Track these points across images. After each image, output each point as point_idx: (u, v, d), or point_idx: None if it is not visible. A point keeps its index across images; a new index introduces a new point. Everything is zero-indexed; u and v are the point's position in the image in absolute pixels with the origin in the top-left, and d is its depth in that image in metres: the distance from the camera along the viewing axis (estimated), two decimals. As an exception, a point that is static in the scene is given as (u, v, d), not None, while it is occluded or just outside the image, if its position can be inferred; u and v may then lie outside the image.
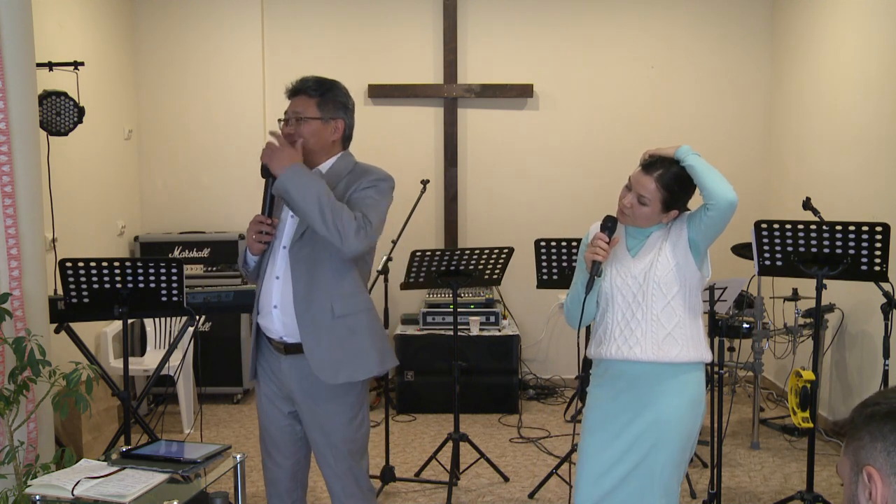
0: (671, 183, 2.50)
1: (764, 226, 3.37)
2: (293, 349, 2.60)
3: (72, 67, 4.29)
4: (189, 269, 5.46)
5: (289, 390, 2.65)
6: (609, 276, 2.58)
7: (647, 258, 2.55)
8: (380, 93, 6.04)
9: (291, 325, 2.57)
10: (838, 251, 3.25)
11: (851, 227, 3.21)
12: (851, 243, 3.22)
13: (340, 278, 2.58)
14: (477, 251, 4.03)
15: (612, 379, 2.58)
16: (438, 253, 3.99)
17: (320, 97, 2.62)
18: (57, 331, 3.62)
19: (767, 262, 3.41)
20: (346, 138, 2.71)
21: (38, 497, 2.39)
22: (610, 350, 2.56)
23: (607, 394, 2.58)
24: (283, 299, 2.58)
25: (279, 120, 2.70)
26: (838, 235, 3.24)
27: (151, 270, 3.46)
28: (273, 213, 2.62)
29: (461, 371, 4.16)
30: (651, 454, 2.50)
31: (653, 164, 2.53)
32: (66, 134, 4.24)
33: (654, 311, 2.51)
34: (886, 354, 3.73)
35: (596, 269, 2.52)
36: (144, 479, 2.43)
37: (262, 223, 2.58)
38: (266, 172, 2.58)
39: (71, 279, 3.42)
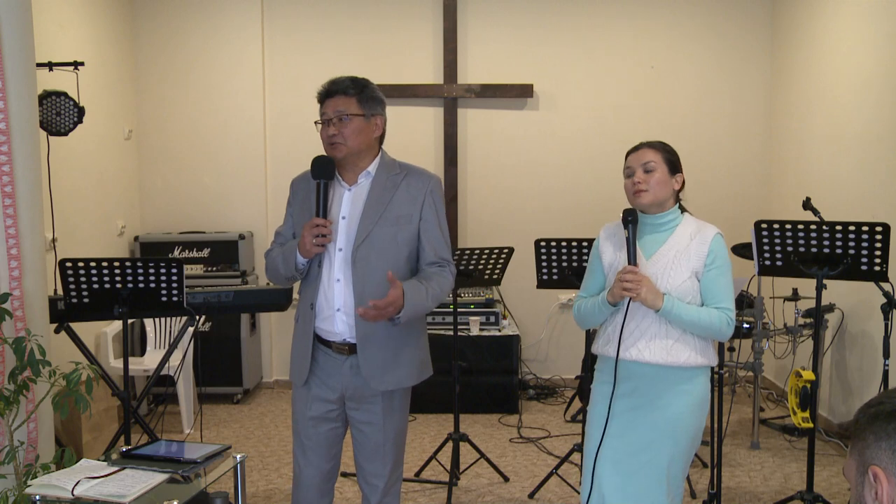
0: (663, 145, 2.60)
1: (764, 226, 3.37)
2: (357, 348, 2.61)
3: (72, 67, 4.29)
4: (189, 269, 5.46)
5: (345, 389, 2.65)
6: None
7: (660, 263, 2.55)
8: (380, 93, 6.03)
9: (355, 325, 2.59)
10: (838, 251, 3.25)
11: (851, 227, 3.21)
12: (851, 243, 3.22)
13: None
14: (477, 251, 4.03)
15: (620, 378, 2.57)
16: (438, 253, 3.98)
17: (359, 94, 2.56)
18: (57, 331, 3.62)
19: (767, 262, 3.41)
20: (383, 135, 2.68)
21: (38, 497, 2.39)
22: (619, 350, 2.56)
23: (615, 391, 2.57)
24: (346, 301, 2.58)
25: (316, 123, 2.59)
26: (838, 235, 3.23)
27: (151, 270, 3.45)
28: (326, 214, 2.55)
29: (461, 371, 4.16)
30: (661, 452, 2.54)
31: (636, 145, 2.62)
32: (66, 134, 4.23)
33: None
34: (886, 354, 3.72)
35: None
36: (144, 479, 2.43)
37: (321, 226, 2.50)
38: (318, 174, 2.53)
39: (71, 279, 3.41)
